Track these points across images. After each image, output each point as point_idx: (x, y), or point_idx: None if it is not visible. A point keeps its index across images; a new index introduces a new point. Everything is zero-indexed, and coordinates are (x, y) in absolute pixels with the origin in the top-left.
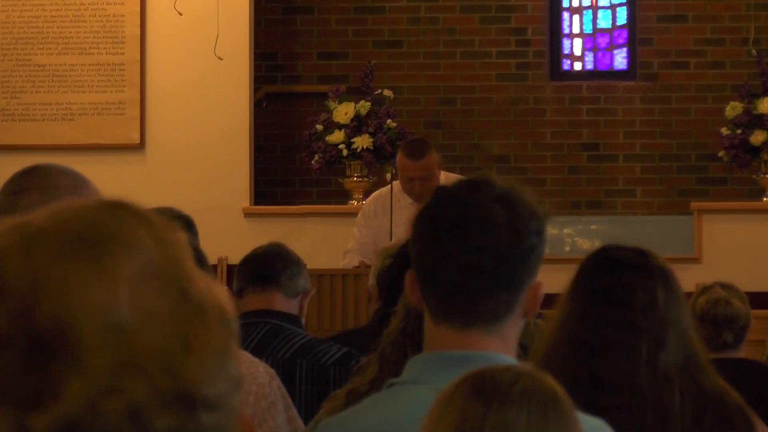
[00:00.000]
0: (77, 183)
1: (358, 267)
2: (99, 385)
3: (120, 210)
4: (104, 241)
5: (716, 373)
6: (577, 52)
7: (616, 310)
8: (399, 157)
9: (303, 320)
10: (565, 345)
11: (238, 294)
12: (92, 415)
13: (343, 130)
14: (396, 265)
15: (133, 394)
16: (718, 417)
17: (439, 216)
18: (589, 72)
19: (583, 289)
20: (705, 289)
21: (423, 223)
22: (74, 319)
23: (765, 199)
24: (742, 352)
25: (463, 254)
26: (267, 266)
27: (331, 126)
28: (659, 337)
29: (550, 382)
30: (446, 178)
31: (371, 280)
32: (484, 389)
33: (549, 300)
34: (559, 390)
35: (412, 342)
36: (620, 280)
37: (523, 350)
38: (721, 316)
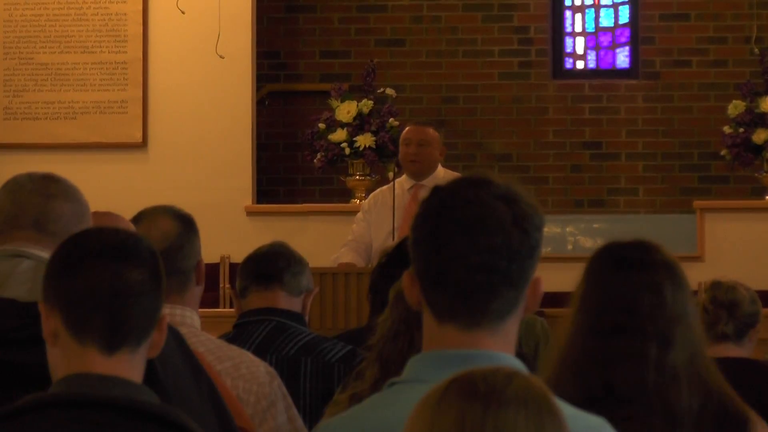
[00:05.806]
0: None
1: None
2: None
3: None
4: None
5: (718, 370)
6: (580, 50)
7: (625, 317)
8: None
9: (306, 319)
10: (578, 357)
11: (241, 293)
12: None
13: (345, 129)
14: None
15: None
16: (722, 416)
17: (443, 217)
18: (592, 70)
19: (590, 298)
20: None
21: (427, 224)
22: None
23: (767, 197)
24: (745, 351)
25: (474, 254)
26: (270, 265)
27: (333, 124)
28: (668, 336)
29: (539, 381)
30: (446, 174)
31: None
32: (479, 391)
33: (552, 298)
34: (547, 389)
35: (411, 342)
36: (627, 284)
37: (521, 357)
38: (723, 299)
